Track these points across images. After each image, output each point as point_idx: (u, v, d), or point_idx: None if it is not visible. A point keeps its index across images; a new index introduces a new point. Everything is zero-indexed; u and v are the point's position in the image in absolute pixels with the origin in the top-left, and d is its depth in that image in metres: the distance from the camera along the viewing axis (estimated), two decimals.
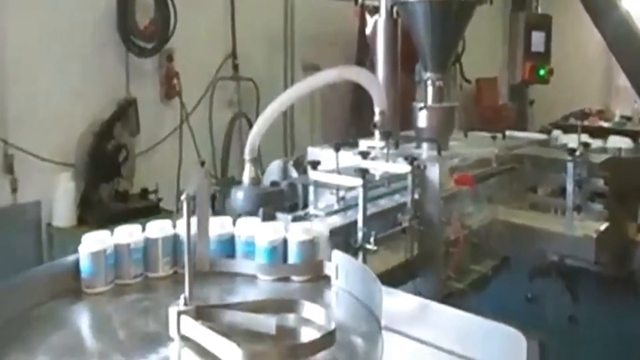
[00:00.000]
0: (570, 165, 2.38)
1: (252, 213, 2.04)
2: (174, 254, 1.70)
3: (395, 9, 2.67)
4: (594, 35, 3.09)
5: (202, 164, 3.64)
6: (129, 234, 1.64)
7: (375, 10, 5.07)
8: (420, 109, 2.50)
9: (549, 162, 2.57)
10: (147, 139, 3.80)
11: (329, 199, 2.24)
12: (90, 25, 3.51)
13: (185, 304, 1.36)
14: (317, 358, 1.29)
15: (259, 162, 2.81)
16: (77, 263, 1.59)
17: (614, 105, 6.79)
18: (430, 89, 2.53)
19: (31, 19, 3.25)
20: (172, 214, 3.70)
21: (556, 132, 3.28)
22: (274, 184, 2.77)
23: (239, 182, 2.84)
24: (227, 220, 1.78)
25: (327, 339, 1.31)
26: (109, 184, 3.47)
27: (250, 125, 4.42)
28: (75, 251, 1.56)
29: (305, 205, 2.43)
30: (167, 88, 3.85)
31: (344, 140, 2.56)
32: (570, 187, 2.38)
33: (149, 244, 1.66)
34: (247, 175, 2.67)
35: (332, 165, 2.27)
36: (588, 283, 3.76)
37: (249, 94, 4.37)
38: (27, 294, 1.49)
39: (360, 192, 1.92)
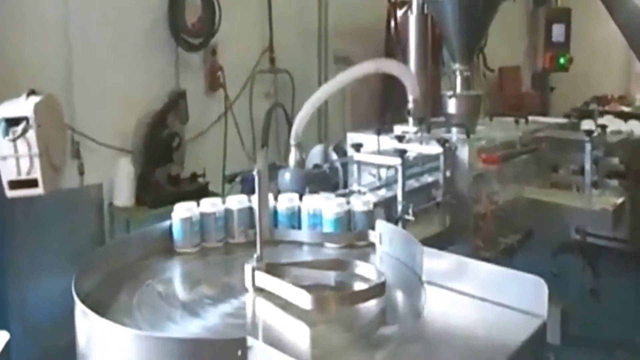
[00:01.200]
0: (587, 145, 2.62)
1: (298, 192, 2.28)
2: (248, 223, 1.99)
3: (425, 5, 2.92)
4: (612, 25, 3.28)
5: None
6: (212, 204, 1.94)
7: (402, 4, 5.34)
8: (450, 96, 2.75)
9: (568, 143, 2.80)
10: (194, 128, 4.11)
11: (368, 179, 2.53)
12: (145, 23, 3.84)
13: (258, 261, 1.66)
14: (370, 305, 1.58)
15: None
16: (169, 228, 1.90)
17: (634, 90, 6.94)
18: (458, 79, 2.79)
19: (92, 18, 3.58)
20: (218, 196, 4.02)
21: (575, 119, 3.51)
22: (316, 166, 3.07)
23: (279, 167, 3.13)
24: (294, 195, 2.08)
25: (379, 289, 1.60)
26: (163, 168, 3.79)
27: (287, 115, 4.72)
28: (135, 227, 1.86)
29: (345, 185, 2.72)
30: (211, 80, 4.16)
31: (380, 126, 2.84)
32: (587, 166, 2.61)
33: (228, 214, 1.97)
34: (292, 159, 2.96)
35: (370, 149, 2.55)
36: (608, 259, 4.00)
37: (285, 86, 4.66)
38: (130, 250, 1.82)
39: (399, 169, 2.20)
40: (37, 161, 2.42)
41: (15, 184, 2.48)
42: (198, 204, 1.97)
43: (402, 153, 2.19)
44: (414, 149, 2.52)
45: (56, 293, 3.32)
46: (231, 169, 4.06)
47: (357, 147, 2.39)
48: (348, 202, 2.05)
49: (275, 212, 2.05)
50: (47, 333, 3.05)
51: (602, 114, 4.77)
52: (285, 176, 2.87)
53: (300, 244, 2.01)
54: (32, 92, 2.57)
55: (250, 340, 1.23)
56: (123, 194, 3.69)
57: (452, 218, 2.45)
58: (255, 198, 1.82)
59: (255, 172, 1.68)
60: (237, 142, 4.34)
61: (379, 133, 2.44)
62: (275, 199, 2.08)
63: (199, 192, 3.91)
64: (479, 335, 1.50)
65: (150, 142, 3.75)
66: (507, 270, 1.62)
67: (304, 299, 1.50)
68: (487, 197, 2.48)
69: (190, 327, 1.45)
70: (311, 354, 1.35)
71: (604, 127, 2.81)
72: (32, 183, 2.47)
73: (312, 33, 4.92)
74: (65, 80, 3.45)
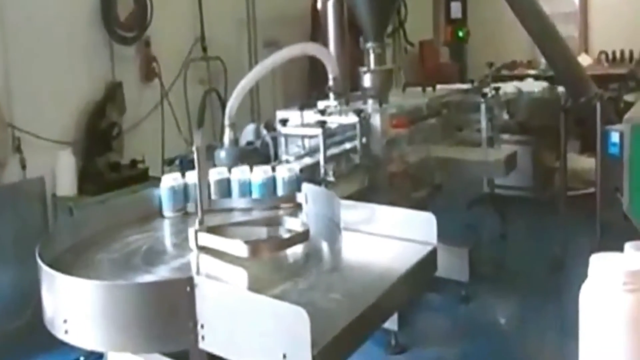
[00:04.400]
0: (482, 106, 3.03)
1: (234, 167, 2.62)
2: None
3: None
4: None
5: (199, 127, 4.16)
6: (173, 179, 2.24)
7: None
8: (365, 72, 3.09)
9: (468, 105, 3.21)
10: (132, 117, 4.29)
11: (295, 150, 2.83)
12: (79, 18, 3.95)
13: (200, 224, 1.94)
14: (297, 249, 1.90)
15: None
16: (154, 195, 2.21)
17: (539, 54, 7.61)
18: (372, 56, 3.13)
19: (30, 13, 3.67)
20: (159, 180, 4.23)
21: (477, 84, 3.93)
22: (249, 143, 3.35)
23: (215, 147, 3.39)
24: (223, 169, 2.36)
25: (304, 235, 1.92)
26: (103, 157, 3.96)
27: (220, 99, 4.95)
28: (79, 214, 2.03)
29: (276, 158, 3.02)
30: (146, 71, 4.33)
31: (305, 102, 3.15)
32: (483, 123, 3.03)
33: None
34: (227, 138, 3.23)
35: (296, 123, 2.85)
36: (517, 207, 4.52)
37: (217, 72, 4.89)
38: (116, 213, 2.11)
39: (320, 138, 2.52)
40: None
41: None
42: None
43: (322, 123, 2.51)
44: (334, 120, 2.85)
45: (5, 282, 3.48)
46: (170, 153, 4.26)
47: (284, 122, 2.69)
48: (273, 170, 2.35)
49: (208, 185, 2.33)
50: None
51: (511, 78, 5.29)
52: (221, 154, 3.14)
53: (231, 210, 2.29)
54: None
55: (197, 278, 1.51)
56: (65, 184, 3.83)
57: (370, 178, 2.80)
58: (195, 173, 2.11)
59: (194, 149, 1.96)
60: (174, 129, 4.54)
61: (302, 108, 2.74)
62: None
63: (139, 177, 4.11)
64: (380, 263, 1.86)
65: (90, 133, 3.90)
66: (405, 210, 1.97)
67: (241, 248, 1.80)
68: (399, 158, 2.84)
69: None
70: (247, 286, 1.66)
71: (497, 89, 3.22)
72: None
73: (241, 21, 5.15)
74: (2, 77, 3.57)
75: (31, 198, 3.65)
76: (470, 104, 3.17)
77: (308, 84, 5.49)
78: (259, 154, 3.18)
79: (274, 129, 3.23)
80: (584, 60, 7.11)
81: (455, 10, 4.53)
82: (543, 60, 7.57)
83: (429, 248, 1.88)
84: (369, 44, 3.12)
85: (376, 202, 2.74)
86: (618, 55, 7.48)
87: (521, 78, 5.83)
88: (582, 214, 3.88)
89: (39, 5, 3.74)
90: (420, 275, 1.83)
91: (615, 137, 3.07)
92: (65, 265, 1.75)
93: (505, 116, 3.17)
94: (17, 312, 3.36)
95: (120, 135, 4.03)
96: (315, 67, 5.11)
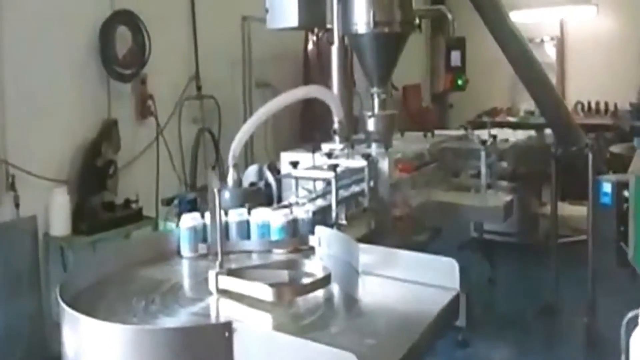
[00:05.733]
0: (482, 153, 3.11)
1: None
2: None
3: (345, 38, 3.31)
4: (496, 48, 3.87)
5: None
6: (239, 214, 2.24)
7: (312, 32, 5.78)
8: (370, 116, 3.15)
9: (467, 152, 3.30)
10: (125, 155, 4.25)
11: (302, 193, 2.84)
12: (76, 54, 3.96)
13: (220, 267, 1.92)
14: (319, 293, 1.89)
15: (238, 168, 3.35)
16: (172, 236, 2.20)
17: (519, 102, 7.91)
18: (376, 100, 3.19)
19: (27, 50, 3.66)
20: (152, 220, 4.18)
21: (471, 131, 4.06)
22: (252, 184, 3.35)
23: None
24: (243, 211, 2.35)
25: (326, 279, 1.92)
26: (97, 196, 3.90)
27: (214, 138, 4.96)
28: (71, 255, 2.02)
29: (279, 200, 3.02)
30: (141, 109, 4.33)
31: (315, 145, 3.17)
32: (483, 170, 3.10)
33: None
34: (231, 178, 3.22)
35: (302, 165, 2.86)
36: (502, 251, 4.60)
37: (212, 111, 4.91)
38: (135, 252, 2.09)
39: (332, 182, 2.53)
40: None
41: None
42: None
43: (334, 167, 2.53)
44: (342, 164, 2.87)
45: None
46: (163, 193, 4.23)
47: (294, 164, 2.70)
48: (291, 212, 2.36)
49: (227, 226, 2.32)
50: None
51: (492, 125, 5.45)
52: (225, 195, 3.11)
53: (249, 252, 2.27)
54: None
55: (235, 323, 1.48)
56: (59, 223, 3.75)
57: (376, 222, 2.81)
58: (210, 214, 2.10)
59: (213, 190, 1.96)
60: (167, 168, 4.52)
61: (314, 151, 2.77)
62: (226, 214, 2.34)
63: (134, 217, 4.06)
64: (406, 308, 1.86)
65: (85, 171, 3.85)
66: (425, 255, 2.00)
67: (265, 292, 1.78)
68: (402, 202, 2.87)
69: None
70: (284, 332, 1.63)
71: (494, 136, 3.32)
72: None
73: (236, 61, 5.22)
74: None
75: (23, 237, 3.57)
76: (470, 150, 3.25)
77: (299, 127, 5.55)
78: (262, 196, 3.18)
79: (278, 171, 3.24)
80: None
81: (455, 58, 4.69)
82: (522, 107, 7.94)
83: (452, 293, 1.89)
84: (374, 89, 3.18)
85: (381, 245, 2.78)
86: (594, 105, 7.79)
87: (502, 125, 6.02)
88: (571, 260, 3.96)
89: (36, 41, 3.73)
90: (444, 320, 1.84)
91: (607, 187, 3.17)
92: (83, 305, 1.70)
93: (504, 164, 3.26)
94: (8, 351, 3.25)
95: (116, 173, 3.98)
96: (308, 109, 5.20)
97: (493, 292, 4.44)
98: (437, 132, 3.76)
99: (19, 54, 3.62)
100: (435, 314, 1.75)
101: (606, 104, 7.74)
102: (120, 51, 4.10)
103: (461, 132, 3.98)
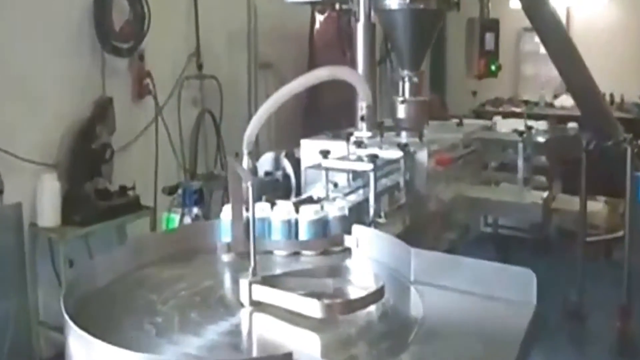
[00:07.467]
0: (520, 145, 2.85)
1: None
2: None
3: (372, 13, 3.00)
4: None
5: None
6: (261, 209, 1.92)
7: (323, 10, 5.43)
8: (401, 102, 2.85)
9: (499, 143, 3.04)
10: (121, 138, 3.89)
11: (321, 186, 2.53)
12: (68, 25, 3.57)
13: (254, 275, 1.61)
14: (370, 309, 1.60)
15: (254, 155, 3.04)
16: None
17: (520, 92, 7.84)
18: (407, 85, 2.89)
19: (14, 20, 3.27)
20: (151, 210, 3.84)
21: (496, 118, 3.79)
22: (267, 174, 3.03)
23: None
24: (266, 205, 2.03)
25: (380, 292, 1.62)
26: (90, 183, 3.54)
27: (215, 121, 4.61)
28: (61, 248, 1.72)
29: (299, 193, 2.71)
30: (139, 87, 3.96)
31: (335, 132, 2.87)
32: (520, 163, 2.84)
33: None
34: (245, 167, 2.90)
35: (341, 155, 2.56)
36: (517, 248, 4.35)
37: (213, 92, 4.55)
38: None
39: (371, 175, 2.23)
40: None
41: None
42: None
43: (374, 158, 2.23)
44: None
45: None
46: (162, 179, 3.89)
47: (325, 153, 2.40)
48: (322, 208, 2.05)
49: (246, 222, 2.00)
50: None
51: (494, 114, 5.19)
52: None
53: (270, 253, 1.97)
54: None
55: (296, 354, 1.19)
56: (47, 212, 3.40)
57: (410, 219, 2.53)
58: (233, 209, 1.79)
59: (247, 185, 1.66)
60: (167, 152, 4.17)
61: (348, 139, 2.47)
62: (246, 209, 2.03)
63: (130, 207, 3.72)
64: (485, 328, 1.57)
65: (77, 155, 3.49)
66: (494, 263, 1.71)
67: (313, 307, 1.48)
68: (436, 197, 2.61)
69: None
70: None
71: (530, 127, 3.06)
72: None
73: (240, 38, 4.85)
74: None
75: (6, 227, 3.21)
76: (505, 142, 2.99)
77: (303, 116, 5.23)
78: (279, 187, 2.87)
79: (297, 161, 2.93)
80: (567, 100, 7.18)
81: (489, 41, 4.41)
82: (525, 98, 7.74)
83: (530, 308, 1.62)
84: (405, 72, 2.89)
85: (414, 243, 2.51)
86: None
87: (505, 115, 5.76)
88: (591, 258, 3.74)
89: (23, 9, 3.33)
90: (529, 340, 1.56)
91: None
92: (87, 319, 1.39)
93: (542, 158, 3.00)
94: None
95: (112, 158, 3.62)
96: (314, 98, 4.87)
97: None
98: (467, 121, 3.49)
99: (3, 22, 3.22)
100: (523, 334, 1.47)
101: (611, 96, 7.54)
102: (117, 22, 3.71)
103: (486, 122, 3.71)
